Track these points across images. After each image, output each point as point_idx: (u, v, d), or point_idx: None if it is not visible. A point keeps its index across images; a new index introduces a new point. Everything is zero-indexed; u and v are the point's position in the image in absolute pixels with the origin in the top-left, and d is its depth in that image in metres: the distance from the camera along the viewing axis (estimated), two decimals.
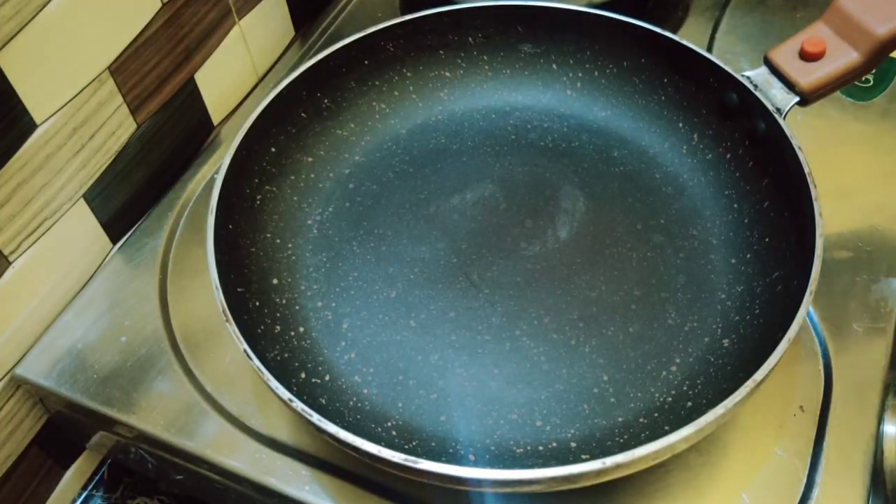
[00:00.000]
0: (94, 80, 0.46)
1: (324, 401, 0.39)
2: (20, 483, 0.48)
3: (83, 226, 0.48)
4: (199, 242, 0.44)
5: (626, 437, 0.38)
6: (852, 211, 0.49)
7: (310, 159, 0.49)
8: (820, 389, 0.42)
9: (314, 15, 0.64)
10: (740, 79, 0.45)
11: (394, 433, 0.38)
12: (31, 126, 0.43)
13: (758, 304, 0.41)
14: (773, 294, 0.41)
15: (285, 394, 0.35)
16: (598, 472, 0.33)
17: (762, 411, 0.41)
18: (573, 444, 0.38)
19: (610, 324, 0.43)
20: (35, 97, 0.42)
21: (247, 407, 0.43)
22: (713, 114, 0.48)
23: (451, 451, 0.38)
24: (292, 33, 0.64)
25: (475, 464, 0.37)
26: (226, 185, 0.43)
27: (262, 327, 0.41)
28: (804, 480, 0.39)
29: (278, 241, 0.46)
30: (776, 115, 0.43)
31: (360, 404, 0.40)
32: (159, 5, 0.49)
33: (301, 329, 0.43)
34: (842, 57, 0.43)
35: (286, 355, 0.41)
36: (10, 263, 0.44)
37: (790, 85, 0.44)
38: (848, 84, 0.44)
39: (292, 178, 0.48)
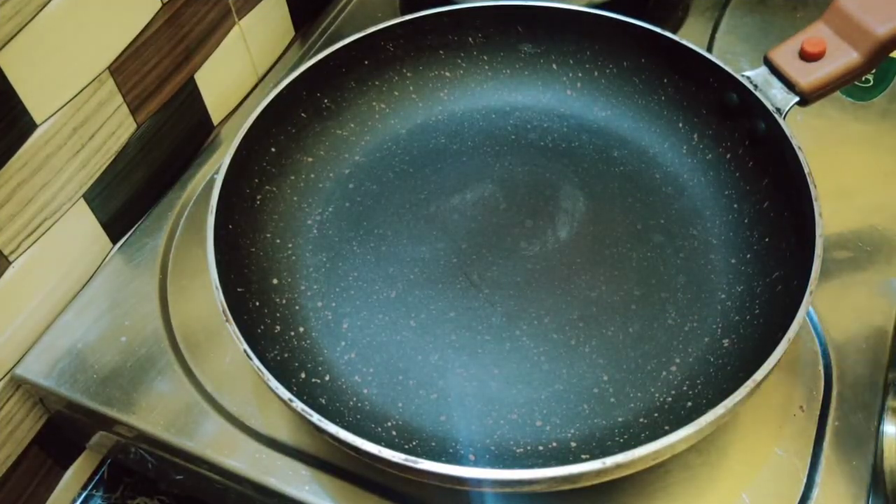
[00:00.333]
0: (94, 80, 0.46)
1: (324, 401, 0.39)
2: (20, 483, 0.48)
3: (83, 226, 0.48)
4: (199, 242, 0.44)
5: (626, 437, 0.38)
6: (852, 211, 0.49)
7: (310, 159, 0.49)
8: (820, 389, 0.42)
9: (314, 15, 0.64)
10: (740, 79, 0.45)
11: (394, 433, 0.38)
12: (31, 126, 0.43)
13: (758, 304, 0.41)
14: (773, 294, 0.41)
15: (285, 394, 0.35)
16: (598, 472, 0.33)
17: (762, 411, 0.41)
18: (573, 444, 0.38)
19: (610, 324, 0.43)
20: (35, 97, 0.42)
21: (247, 407, 0.43)
22: (713, 114, 0.48)
23: (451, 451, 0.38)
24: (292, 33, 0.64)
25: (475, 464, 0.37)
26: (226, 185, 0.43)
27: (262, 327, 0.41)
28: (804, 480, 0.39)
29: (278, 241, 0.46)
30: (776, 115, 0.43)
31: (360, 404, 0.40)
32: (159, 5, 0.49)
33: (301, 329, 0.43)
34: (842, 57, 0.43)
35: (286, 355, 0.41)
36: (10, 263, 0.44)
37: (790, 85, 0.44)
38: (848, 84, 0.44)
39: (292, 178, 0.48)
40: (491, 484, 0.33)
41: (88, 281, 0.49)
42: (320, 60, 0.48)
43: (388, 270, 0.45)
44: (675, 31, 0.50)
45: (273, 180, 0.47)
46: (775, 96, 0.44)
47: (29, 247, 0.45)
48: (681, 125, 0.49)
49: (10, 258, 0.44)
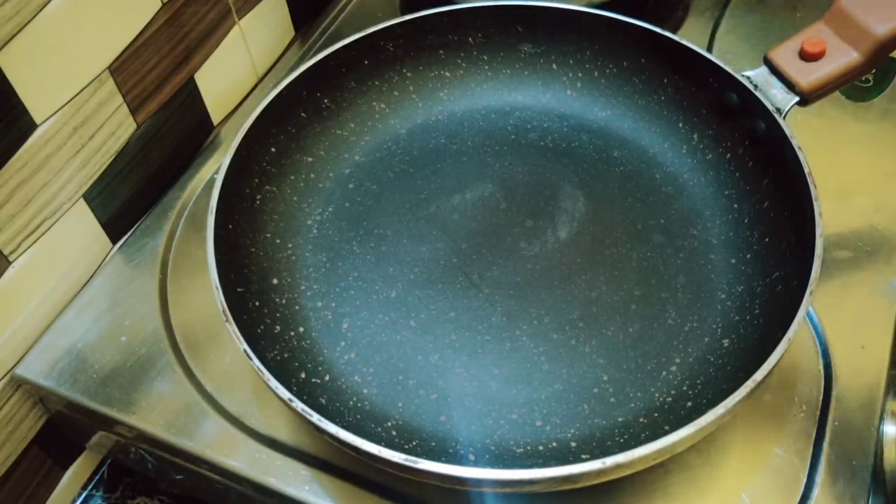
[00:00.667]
0: (94, 80, 0.46)
1: (324, 401, 0.39)
2: (20, 483, 0.48)
3: (83, 226, 0.48)
4: (199, 242, 0.44)
5: (626, 437, 0.38)
6: (852, 211, 0.49)
7: (310, 159, 0.49)
8: (820, 389, 0.42)
9: (314, 15, 0.64)
10: (740, 79, 0.45)
11: (394, 433, 0.38)
12: (31, 126, 0.43)
13: (758, 304, 0.41)
14: (773, 294, 0.41)
15: (285, 394, 0.35)
16: (598, 472, 0.33)
17: (762, 411, 0.41)
18: (573, 444, 0.38)
19: (610, 324, 0.43)
20: (35, 97, 0.42)
21: (247, 407, 0.43)
22: (713, 114, 0.48)
23: (451, 451, 0.38)
24: (292, 33, 0.64)
25: (475, 464, 0.37)
26: (226, 185, 0.43)
27: (262, 327, 0.41)
28: (804, 480, 0.39)
29: (278, 241, 0.46)
30: (776, 115, 0.43)
31: (360, 404, 0.40)
32: (159, 5, 0.49)
33: (301, 329, 0.43)
34: (842, 57, 0.43)
35: (286, 355, 0.41)
36: (10, 263, 0.44)
37: (790, 85, 0.44)
38: (848, 84, 0.44)
39: (292, 178, 0.48)
40: (491, 484, 0.33)
41: (88, 281, 0.49)
42: (320, 60, 0.48)
43: (388, 270, 0.45)
44: (675, 31, 0.50)
45: (273, 180, 0.47)
46: (775, 96, 0.44)
47: (29, 247, 0.45)
48: (681, 125, 0.49)
49: (10, 258, 0.44)
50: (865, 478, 0.39)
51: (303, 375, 0.40)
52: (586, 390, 0.40)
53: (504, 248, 0.46)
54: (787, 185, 0.42)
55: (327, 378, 0.41)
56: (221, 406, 0.43)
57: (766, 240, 0.43)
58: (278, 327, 0.42)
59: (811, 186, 0.40)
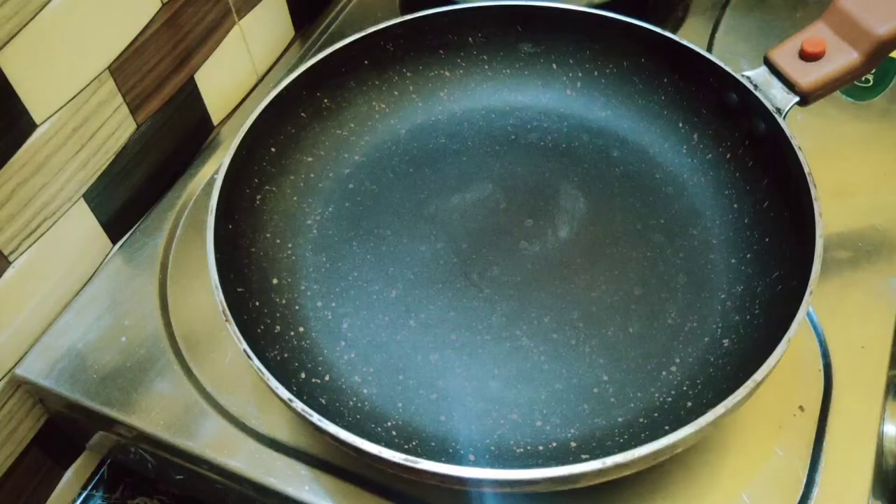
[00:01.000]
0: (93, 79, 0.46)
1: (324, 401, 0.39)
2: (20, 483, 0.48)
3: (83, 226, 0.48)
4: (199, 242, 0.44)
5: (626, 437, 0.38)
6: (852, 211, 0.49)
7: (310, 159, 0.49)
8: (820, 389, 0.42)
9: (314, 15, 0.64)
10: (740, 79, 0.45)
11: (394, 433, 0.38)
12: (30, 126, 0.43)
13: (758, 304, 0.41)
14: (773, 294, 0.41)
15: (285, 394, 0.35)
16: (598, 472, 0.33)
17: (762, 411, 0.41)
18: (573, 444, 0.38)
19: (610, 324, 0.43)
20: (35, 97, 0.42)
21: (247, 407, 0.43)
22: (713, 114, 0.48)
23: (450, 451, 0.38)
24: (292, 33, 0.64)
25: (475, 464, 0.37)
26: (226, 185, 0.43)
27: (262, 327, 0.41)
28: (804, 480, 0.39)
29: (278, 241, 0.46)
30: (776, 115, 0.43)
31: (359, 404, 0.40)
32: (159, 5, 0.49)
33: (301, 329, 0.43)
34: (842, 57, 0.43)
35: (286, 355, 0.41)
36: (10, 263, 0.44)
37: (790, 85, 0.43)
38: (848, 84, 0.44)
39: (292, 177, 0.48)
40: (491, 484, 0.33)
41: (88, 281, 0.49)
42: (320, 60, 0.48)
43: (388, 270, 0.45)
44: (674, 31, 0.50)
45: (273, 180, 0.47)
46: (775, 96, 0.44)
47: (29, 247, 0.45)
48: (681, 125, 0.49)
49: (10, 258, 0.44)
50: (866, 478, 0.39)
51: (303, 375, 0.40)
52: (586, 390, 0.40)
53: (504, 247, 0.46)
54: (788, 185, 0.42)
55: (327, 378, 0.41)
56: (221, 406, 0.43)
57: (766, 240, 0.43)
58: (278, 327, 0.42)
59: (811, 186, 0.40)
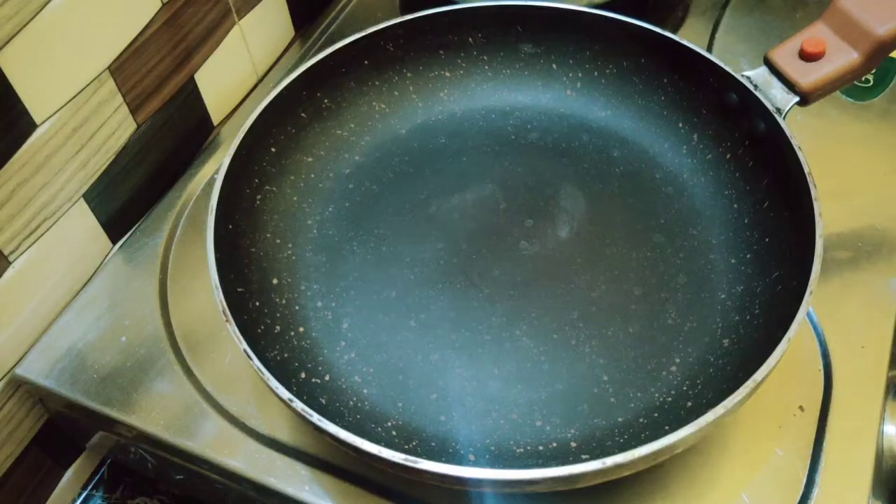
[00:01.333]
0: (93, 80, 0.46)
1: (324, 401, 0.39)
2: (20, 483, 0.48)
3: (83, 226, 0.48)
4: (199, 242, 0.44)
5: (626, 437, 0.38)
6: (852, 211, 0.49)
7: (310, 159, 0.49)
8: (820, 389, 0.42)
9: (314, 15, 0.64)
10: (740, 79, 0.45)
11: (394, 433, 0.38)
12: (30, 126, 0.43)
13: (758, 304, 0.41)
14: (773, 294, 0.41)
15: (285, 394, 0.35)
16: (598, 473, 0.33)
17: (762, 411, 0.41)
18: (573, 444, 0.38)
19: (610, 324, 0.43)
20: (35, 97, 0.42)
21: (247, 407, 0.43)
22: (713, 114, 0.48)
23: (451, 451, 0.38)
24: (292, 33, 0.64)
25: (475, 464, 0.37)
26: (226, 185, 0.43)
27: (262, 327, 0.41)
28: (804, 480, 0.39)
29: (278, 241, 0.46)
30: (776, 115, 0.43)
31: (360, 404, 0.40)
32: (159, 5, 0.49)
33: (301, 329, 0.43)
34: (842, 57, 0.43)
35: (286, 355, 0.41)
36: (9, 263, 0.44)
37: (790, 85, 0.43)
38: (848, 84, 0.44)
39: (292, 178, 0.48)
40: (491, 484, 0.33)
41: (88, 281, 0.49)
42: (320, 60, 0.48)
43: (389, 270, 0.45)
44: (674, 31, 0.50)
45: (273, 180, 0.47)
46: (775, 96, 0.44)
47: (29, 247, 0.45)
48: (681, 125, 0.49)
49: (10, 258, 0.44)
50: (866, 478, 0.39)
51: (303, 375, 0.40)
52: (586, 390, 0.40)
53: (504, 247, 0.46)
54: (787, 185, 0.42)
55: (327, 378, 0.41)
56: (221, 406, 0.43)
57: (766, 240, 0.43)
58: (278, 327, 0.42)
59: (811, 186, 0.40)
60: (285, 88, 0.47)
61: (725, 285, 0.43)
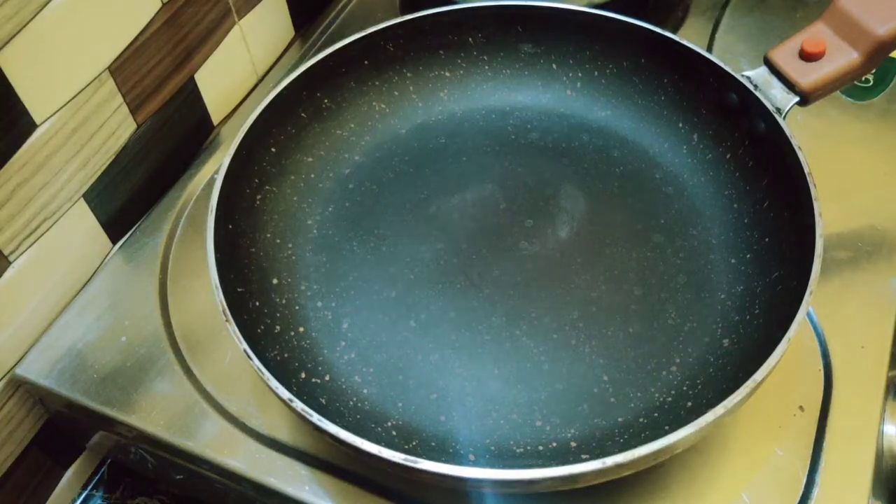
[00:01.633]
0: (93, 80, 0.46)
1: (324, 401, 0.39)
2: (20, 483, 0.48)
3: (83, 226, 0.48)
4: (199, 242, 0.44)
5: (626, 437, 0.38)
6: (852, 211, 0.49)
7: (310, 159, 0.49)
8: (820, 389, 0.42)
9: (314, 15, 0.64)
10: (740, 79, 0.45)
11: (394, 433, 0.38)
12: (30, 126, 0.43)
13: (758, 304, 0.41)
14: (773, 294, 0.41)
15: (285, 394, 0.35)
16: (598, 472, 0.33)
17: (762, 411, 0.41)
18: (573, 444, 0.38)
19: (610, 324, 0.43)
20: (35, 97, 0.42)
21: (247, 407, 0.43)
22: (713, 114, 0.48)
23: (451, 451, 0.38)
24: (292, 33, 0.64)
25: (475, 464, 0.37)
26: (226, 185, 0.42)
27: (262, 327, 0.41)
28: (804, 480, 0.39)
29: (278, 241, 0.46)
30: (776, 115, 0.43)
31: (360, 404, 0.40)
32: (159, 5, 0.49)
33: (301, 329, 0.43)
34: (842, 57, 0.43)
35: (286, 355, 0.41)
36: (10, 263, 0.44)
37: (790, 85, 0.43)
38: (848, 84, 0.44)
39: (292, 178, 0.48)
40: (491, 484, 0.33)
41: (88, 281, 0.49)
42: (320, 60, 0.48)
43: (389, 270, 0.45)
44: (674, 31, 0.50)
45: (273, 180, 0.47)
46: (775, 96, 0.44)
47: (29, 247, 0.45)
48: (681, 125, 0.49)
49: (10, 258, 0.44)
50: (866, 478, 0.39)
51: (303, 375, 0.40)
52: (586, 390, 0.40)
53: (504, 248, 0.46)
54: (787, 186, 0.42)
55: (327, 378, 0.41)
56: (221, 406, 0.43)
57: (766, 240, 0.43)
58: (278, 327, 0.42)
59: (811, 186, 0.40)
60: (285, 88, 0.47)
61: (725, 285, 0.43)
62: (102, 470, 0.53)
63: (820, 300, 0.45)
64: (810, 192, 0.40)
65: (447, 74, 0.53)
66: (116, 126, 0.49)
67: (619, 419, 0.39)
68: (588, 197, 0.48)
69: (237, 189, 0.44)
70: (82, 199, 0.48)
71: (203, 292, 0.47)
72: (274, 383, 0.35)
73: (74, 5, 0.43)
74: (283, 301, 0.43)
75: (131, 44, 0.48)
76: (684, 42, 0.47)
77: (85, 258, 0.49)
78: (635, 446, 0.33)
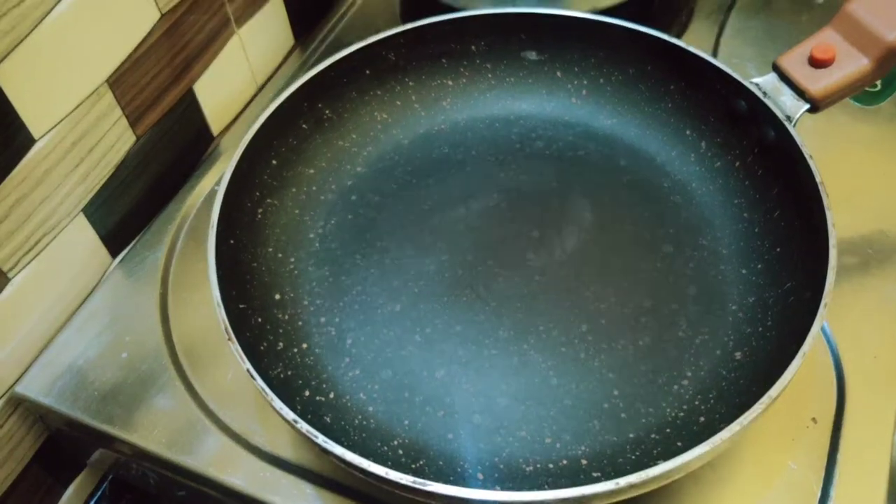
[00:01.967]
0: (92, 93, 0.45)
1: (328, 419, 0.38)
2: (21, 501, 0.47)
3: (83, 240, 0.48)
4: (200, 255, 0.43)
5: (637, 453, 0.37)
6: (861, 216, 0.49)
7: (311, 171, 0.49)
8: (833, 401, 0.42)
9: (314, 23, 0.64)
10: (749, 86, 0.44)
11: (400, 452, 0.38)
12: (29, 141, 0.42)
13: (770, 315, 0.41)
14: (785, 305, 0.40)
15: (290, 415, 0.34)
16: (611, 493, 0.32)
17: (775, 424, 0.41)
18: (584, 462, 0.38)
19: (619, 337, 0.42)
20: (33, 112, 0.42)
21: (249, 423, 0.42)
22: (721, 121, 0.47)
23: (458, 470, 0.37)
24: (292, 42, 0.63)
25: (484, 483, 0.37)
26: (227, 200, 0.42)
27: (265, 344, 0.41)
28: (818, 494, 0.39)
29: (280, 255, 0.45)
30: (786, 123, 0.42)
31: (365, 422, 0.39)
32: (158, 16, 0.49)
33: (304, 345, 0.42)
34: (852, 63, 0.42)
35: (290, 373, 0.40)
36: (9, 280, 0.43)
37: (800, 92, 0.43)
38: (858, 91, 0.44)
39: (294, 190, 0.48)
40: None
41: (88, 296, 0.49)
42: (321, 71, 0.48)
43: (393, 284, 0.45)
44: (679, 36, 0.50)
45: (274, 193, 0.47)
46: (785, 103, 0.43)
47: (28, 263, 0.44)
48: (688, 133, 0.49)
49: (10, 275, 0.43)
50: (881, 491, 0.39)
51: (307, 393, 0.40)
52: (596, 406, 0.40)
53: (510, 259, 0.45)
54: (799, 194, 0.42)
55: (332, 395, 0.40)
56: (223, 423, 0.42)
57: (778, 249, 0.43)
58: (281, 344, 0.41)
59: (823, 195, 0.40)
60: (286, 100, 0.46)
61: (737, 296, 0.43)
62: (104, 486, 0.52)
63: (831, 308, 0.44)
64: (822, 201, 0.39)
65: (450, 83, 0.52)
66: (115, 139, 0.48)
67: (631, 435, 0.38)
68: (595, 206, 0.48)
69: (238, 204, 0.44)
70: (82, 214, 0.47)
71: (204, 306, 0.47)
72: (278, 404, 0.35)
73: (72, 19, 0.43)
74: (286, 317, 0.43)
75: (130, 56, 0.47)
76: (691, 49, 0.47)
77: (85, 273, 0.49)
78: (647, 463, 0.32)
